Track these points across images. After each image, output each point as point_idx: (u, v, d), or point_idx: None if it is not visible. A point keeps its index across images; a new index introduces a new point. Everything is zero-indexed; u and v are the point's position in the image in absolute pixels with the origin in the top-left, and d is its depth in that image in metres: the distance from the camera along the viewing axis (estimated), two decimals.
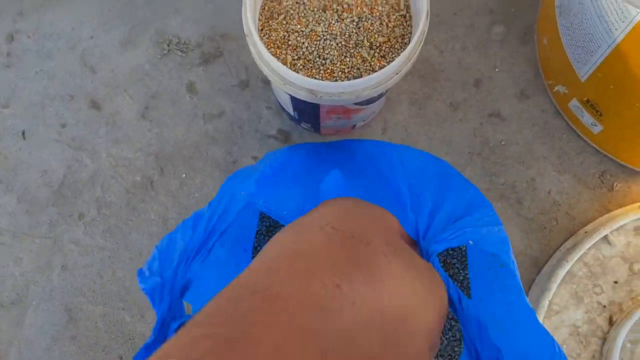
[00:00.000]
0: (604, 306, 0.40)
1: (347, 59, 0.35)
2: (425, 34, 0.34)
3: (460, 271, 0.34)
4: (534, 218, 0.42)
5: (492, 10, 0.44)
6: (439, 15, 0.44)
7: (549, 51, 0.42)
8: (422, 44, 0.34)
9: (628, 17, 0.32)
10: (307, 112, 0.39)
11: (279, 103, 0.43)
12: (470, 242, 0.29)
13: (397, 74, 0.33)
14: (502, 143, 0.42)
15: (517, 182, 0.42)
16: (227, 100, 0.43)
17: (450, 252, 0.34)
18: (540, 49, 0.43)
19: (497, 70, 0.43)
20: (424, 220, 0.30)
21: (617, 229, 0.40)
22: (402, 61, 0.33)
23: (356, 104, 0.35)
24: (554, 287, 0.39)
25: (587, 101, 0.39)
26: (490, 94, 0.43)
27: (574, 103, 0.41)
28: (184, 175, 0.42)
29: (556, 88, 0.42)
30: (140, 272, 0.28)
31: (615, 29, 0.33)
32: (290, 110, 0.40)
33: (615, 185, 0.42)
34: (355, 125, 0.42)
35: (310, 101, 0.34)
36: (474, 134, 0.42)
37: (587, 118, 0.40)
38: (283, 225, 0.36)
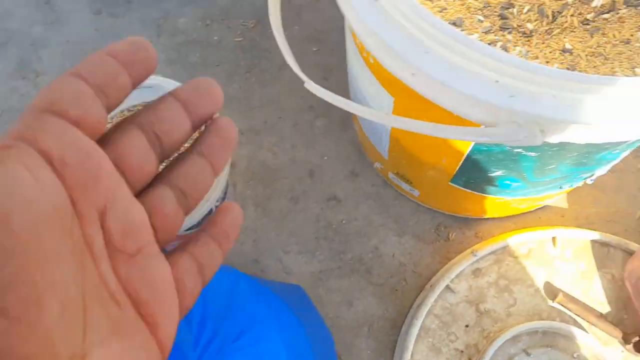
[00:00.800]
0: (462, 351, 0.43)
1: None
2: None
3: None
4: (385, 283, 0.46)
5: (311, 106, 0.50)
6: (266, 122, 0.50)
7: (361, 136, 0.47)
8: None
9: None
10: None
11: None
12: None
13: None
14: (343, 222, 0.47)
15: (363, 254, 0.46)
16: None
17: None
18: (358, 133, 0.49)
19: (325, 158, 0.49)
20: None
21: (456, 277, 0.44)
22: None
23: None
24: (410, 345, 0.42)
25: (397, 173, 0.44)
26: (324, 181, 0.48)
27: (391, 175, 0.46)
28: None
29: (375, 164, 0.47)
30: None
31: None
32: None
33: (450, 235, 0.47)
34: None
35: None
36: (317, 220, 0.47)
37: (405, 185, 0.46)
38: None
